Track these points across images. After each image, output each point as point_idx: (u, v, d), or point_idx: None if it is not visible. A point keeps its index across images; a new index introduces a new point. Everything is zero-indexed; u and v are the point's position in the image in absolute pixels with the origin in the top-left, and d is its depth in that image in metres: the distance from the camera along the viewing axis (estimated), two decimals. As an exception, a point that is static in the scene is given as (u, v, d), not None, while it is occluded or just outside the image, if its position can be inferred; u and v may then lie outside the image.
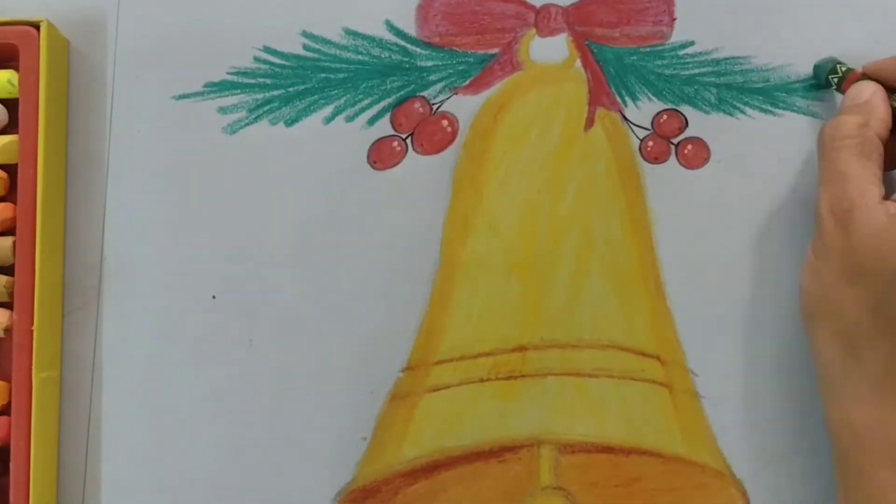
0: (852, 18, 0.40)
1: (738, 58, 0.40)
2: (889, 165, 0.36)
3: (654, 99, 0.39)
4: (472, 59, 0.40)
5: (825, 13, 0.40)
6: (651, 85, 0.40)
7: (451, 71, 0.40)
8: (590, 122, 0.39)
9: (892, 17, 0.40)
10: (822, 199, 0.35)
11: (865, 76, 0.37)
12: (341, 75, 0.40)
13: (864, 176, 0.34)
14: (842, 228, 0.33)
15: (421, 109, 0.39)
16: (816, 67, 0.39)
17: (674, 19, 0.40)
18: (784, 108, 0.40)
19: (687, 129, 0.39)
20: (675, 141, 0.39)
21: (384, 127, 0.39)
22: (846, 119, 0.35)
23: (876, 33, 0.40)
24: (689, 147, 0.39)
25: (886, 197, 0.34)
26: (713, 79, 0.40)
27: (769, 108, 0.40)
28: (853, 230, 0.33)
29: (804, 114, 0.39)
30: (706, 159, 0.39)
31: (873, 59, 0.37)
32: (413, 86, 0.39)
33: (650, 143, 0.39)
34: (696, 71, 0.40)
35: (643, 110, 0.39)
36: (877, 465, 0.32)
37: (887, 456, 0.32)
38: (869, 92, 0.36)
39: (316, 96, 0.39)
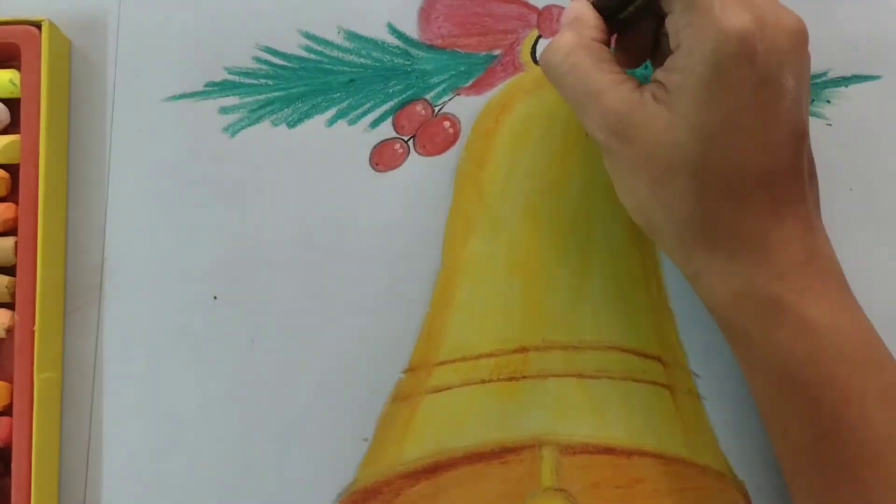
0: (855, 13, 0.40)
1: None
2: (633, 62, 0.36)
3: (655, 100, 0.39)
4: (474, 60, 0.40)
5: (827, 9, 0.40)
6: (653, 86, 0.39)
7: (452, 72, 0.39)
8: (592, 124, 0.39)
9: (894, 11, 0.40)
10: (589, 125, 0.33)
11: (540, 36, 0.37)
12: (343, 78, 0.40)
13: (610, 80, 0.32)
14: (625, 140, 0.32)
15: (423, 112, 0.39)
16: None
17: (676, 21, 0.40)
18: (786, 108, 0.39)
19: (688, 131, 0.39)
20: (677, 142, 0.39)
21: (386, 129, 0.39)
22: (559, 39, 0.33)
23: (878, 28, 0.40)
24: (691, 148, 0.39)
25: None
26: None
27: (770, 108, 0.39)
28: (639, 133, 0.31)
29: (806, 114, 0.39)
30: (708, 160, 0.39)
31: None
32: (415, 89, 0.39)
33: (652, 145, 0.39)
34: (698, 72, 0.40)
35: (645, 111, 0.39)
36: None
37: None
38: (573, 9, 0.34)
39: (318, 98, 0.39)
